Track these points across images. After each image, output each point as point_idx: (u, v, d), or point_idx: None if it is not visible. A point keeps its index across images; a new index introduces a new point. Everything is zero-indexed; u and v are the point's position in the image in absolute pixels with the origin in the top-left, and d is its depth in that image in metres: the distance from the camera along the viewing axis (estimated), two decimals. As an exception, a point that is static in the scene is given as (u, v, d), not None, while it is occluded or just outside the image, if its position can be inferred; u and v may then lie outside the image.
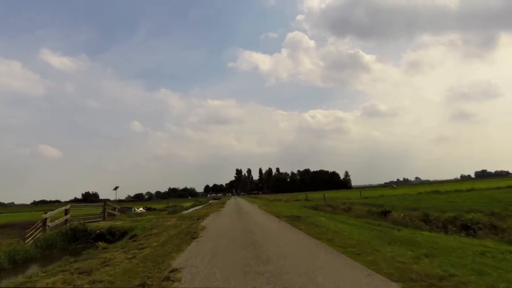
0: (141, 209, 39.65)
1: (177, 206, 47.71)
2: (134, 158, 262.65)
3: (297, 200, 36.62)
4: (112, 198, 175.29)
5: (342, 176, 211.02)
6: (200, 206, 52.15)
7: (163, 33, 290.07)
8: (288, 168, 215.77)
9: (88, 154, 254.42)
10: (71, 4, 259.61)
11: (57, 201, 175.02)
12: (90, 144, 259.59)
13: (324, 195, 39.29)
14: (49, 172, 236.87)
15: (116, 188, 33.03)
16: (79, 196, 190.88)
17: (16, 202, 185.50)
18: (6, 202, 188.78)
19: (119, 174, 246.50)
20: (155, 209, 41.38)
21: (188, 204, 63.45)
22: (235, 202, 51.34)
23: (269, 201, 41.46)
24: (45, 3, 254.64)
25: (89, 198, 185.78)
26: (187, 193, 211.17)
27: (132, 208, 33.00)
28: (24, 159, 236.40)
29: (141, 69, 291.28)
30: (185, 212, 31.88)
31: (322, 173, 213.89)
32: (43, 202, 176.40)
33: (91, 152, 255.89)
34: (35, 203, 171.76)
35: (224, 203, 47.63)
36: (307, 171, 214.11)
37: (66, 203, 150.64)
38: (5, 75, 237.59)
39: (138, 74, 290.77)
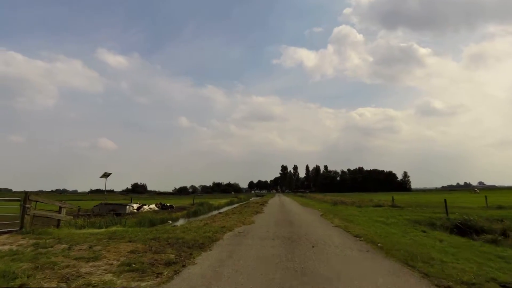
0: (151, 206, 29.57)
1: (205, 205, 37.10)
2: (181, 152, 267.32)
3: (378, 206, 23.42)
4: (157, 189, 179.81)
5: (399, 177, 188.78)
6: (235, 206, 41.16)
7: (208, 31, 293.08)
8: (333, 167, 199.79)
9: (139, 147, 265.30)
10: (123, 6, 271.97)
11: (112, 191, 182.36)
12: (141, 138, 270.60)
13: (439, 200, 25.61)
14: (106, 163, 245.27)
15: (106, 176, 23.21)
16: (129, 187, 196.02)
17: (79, 190, 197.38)
18: (70, 189, 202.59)
19: (167, 167, 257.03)
20: (172, 207, 31.06)
21: (223, 201, 53.04)
22: (279, 202, 39.38)
23: (329, 205, 28.80)
24: (98, 5, 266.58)
25: (137, 189, 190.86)
26: (230, 189, 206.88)
27: (127, 205, 22.70)
28: (84, 151, 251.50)
29: (188, 67, 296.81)
30: (202, 217, 21.15)
31: (376, 173, 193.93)
32: (99, 191, 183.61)
33: (142, 146, 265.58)
34: (91, 192, 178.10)
35: (265, 203, 36.11)
36: (360, 169, 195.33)
37: (119, 192, 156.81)
38: (68, 73, 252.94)
39: (185, 71, 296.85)
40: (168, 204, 31.94)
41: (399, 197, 48.58)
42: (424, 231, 11.59)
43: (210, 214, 28.74)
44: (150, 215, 22.49)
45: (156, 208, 30.15)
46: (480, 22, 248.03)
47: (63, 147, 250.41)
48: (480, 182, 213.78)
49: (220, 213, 22.35)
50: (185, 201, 46.48)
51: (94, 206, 22.97)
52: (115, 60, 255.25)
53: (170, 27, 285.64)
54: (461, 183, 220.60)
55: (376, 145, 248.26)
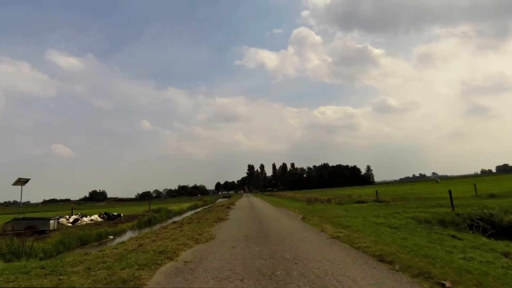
0: (93, 217, 24.11)
1: (162, 211, 32.08)
2: (145, 156, 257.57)
3: (362, 202, 20.22)
4: (126, 196, 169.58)
5: (363, 171, 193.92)
6: (198, 210, 36.49)
7: (170, 33, 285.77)
8: (299, 165, 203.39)
9: (98, 153, 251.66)
10: (79, 6, 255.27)
11: (68, 200, 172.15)
12: (100, 143, 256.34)
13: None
14: (62, 171, 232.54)
15: (22, 182, 17.60)
16: (88, 195, 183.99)
17: (32, 201, 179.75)
18: (22, 201, 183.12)
19: (130, 173, 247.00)
20: (119, 216, 25.80)
21: (186, 205, 47.96)
22: (248, 203, 35.34)
23: (305, 204, 25.34)
24: (52, 5, 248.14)
25: (96, 197, 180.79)
26: (197, 191, 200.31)
27: (50, 218, 17.34)
28: (37, 159, 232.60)
29: (150, 69, 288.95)
30: (154, 228, 16.49)
31: (341, 168, 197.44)
32: (53, 201, 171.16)
33: (101, 151, 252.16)
34: (45, 202, 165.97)
35: (232, 205, 31.90)
36: (325, 165, 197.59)
37: (75, 202, 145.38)
38: (14, 76, 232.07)
39: (147, 73, 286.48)
40: (114, 214, 26.53)
41: (367, 190, 47.01)
42: (454, 236, 8.19)
43: (166, 222, 24.02)
44: (83, 231, 17.35)
45: (99, 219, 24.71)
46: (427, 24, 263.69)
47: (13, 155, 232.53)
48: (433, 173, 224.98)
49: (174, 222, 17.76)
50: (143, 208, 40.88)
51: (6, 223, 17.33)
52: (67, 62, 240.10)
53: (131, 28, 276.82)
54: (417, 174, 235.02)
55: (338, 141, 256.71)
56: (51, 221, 17.26)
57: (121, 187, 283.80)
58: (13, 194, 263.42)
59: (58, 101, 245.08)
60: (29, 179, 18.43)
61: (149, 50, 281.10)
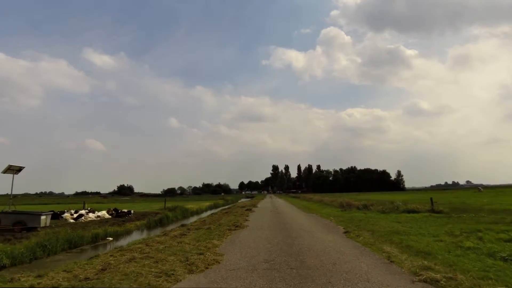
0: (100, 213, 21.75)
1: (178, 209, 29.42)
2: (171, 153, 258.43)
3: (413, 212, 16.09)
4: (152, 192, 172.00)
5: (392, 176, 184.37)
6: (216, 211, 33.58)
7: (198, 32, 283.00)
8: (324, 167, 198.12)
9: (128, 148, 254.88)
10: (113, 8, 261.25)
11: (98, 193, 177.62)
12: (129, 139, 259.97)
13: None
14: (94, 165, 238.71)
15: (13, 171, 15.24)
16: (116, 189, 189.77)
17: (67, 193, 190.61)
18: (56, 192, 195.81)
19: (156, 169, 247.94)
20: (129, 214, 23.29)
21: (206, 204, 45.30)
22: (271, 205, 31.99)
23: (338, 210, 21.55)
24: (88, 6, 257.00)
25: (123, 191, 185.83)
26: (220, 190, 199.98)
27: (41, 214, 14.83)
28: (71, 152, 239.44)
29: (177, 68, 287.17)
30: (162, 230, 13.42)
31: (369, 172, 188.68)
32: (84, 193, 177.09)
33: (131, 147, 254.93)
34: (76, 194, 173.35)
35: (254, 206, 28.73)
36: (352, 169, 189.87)
37: (103, 195, 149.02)
38: (53, 72, 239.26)
39: (175, 72, 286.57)
40: (124, 210, 24.06)
41: (401, 196, 42.11)
42: None
43: (177, 224, 21.22)
44: (80, 230, 14.78)
45: (106, 216, 22.31)
46: (465, 24, 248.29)
47: (50, 148, 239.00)
48: (467, 181, 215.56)
49: (183, 225, 14.70)
50: (160, 205, 38.71)
51: (-5, 217, 15.16)
52: (101, 59, 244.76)
53: (161, 28, 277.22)
54: (449, 182, 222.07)
55: (365, 145, 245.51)
56: (42, 217, 14.78)
57: (148, 182, 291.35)
58: (48, 185, 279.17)
59: (91, 97, 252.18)
60: (23, 167, 16.15)
61: (178, 49, 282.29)
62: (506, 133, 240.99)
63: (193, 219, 26.13)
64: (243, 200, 73.23)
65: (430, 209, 16.63)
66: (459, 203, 22.50)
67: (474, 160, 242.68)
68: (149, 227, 20.86)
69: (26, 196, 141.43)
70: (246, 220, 14.62)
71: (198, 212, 34.43)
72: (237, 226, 11.84)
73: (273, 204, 35.52)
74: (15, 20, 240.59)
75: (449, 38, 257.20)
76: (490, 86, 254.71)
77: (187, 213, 30.29)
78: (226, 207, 36.88)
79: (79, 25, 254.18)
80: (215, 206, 46.31)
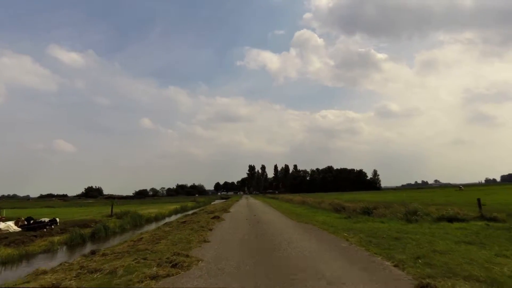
0: (5, 225, 15.10)
1: (127, 217, 22.98)
2: (145, 154, 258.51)
3: (455, 220, 10.89)
4: (124, 194, 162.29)
5: (369, 175, 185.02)
6: (182, 215, 27.36)
7: (174, 33, 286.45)
8: (299, 167, 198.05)
9: (98, 149, 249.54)
10: (84, 5, 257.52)
11: (65, 195, 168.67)
12: (100, 139, 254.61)
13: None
14: (62, 166, 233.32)
15: None
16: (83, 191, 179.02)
17: (32, 195, 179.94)
18: (21, 195, 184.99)
19: (130, 170, 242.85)
20: (51, 224, 16.63)
21: (171, 207, 38.69)
22: (248, 209, 26.28)
23: (336, 216, 16.18)
24: (57, 3, 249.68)
25: (91, 193, 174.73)
26: (195, 191, 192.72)
27: None
28: (38, 153, 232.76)
29: (151, 68, 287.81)
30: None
31: (346, 172, 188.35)
32: (50, 196, 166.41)
33: (101, 148, 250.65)
34: (41, 197, 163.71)
35: (226, 210, 22.92)
36: (329, 168, 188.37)
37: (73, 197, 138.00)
38: (16, 69, 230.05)
39: (148, 72, 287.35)
40: (44, 220, 17.31)
41: (388, 196, 38.04)
42: None
43: (126, 235, 15.03)
44: None
45: (13, 229, 15.62)
46: (431, 30, 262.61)
47: (15, 149, 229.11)
48: (436, 180, 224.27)
49: (93, 253, 8.55)
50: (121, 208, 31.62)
51: None
52: (68, 57, 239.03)
53: (134, 28, 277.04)
54: (419, 181, 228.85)
55: (339, 146, 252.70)
56: None
57: (120, 184, 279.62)
58: (13, 188, 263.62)
59: (59, 96, 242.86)
60: None
61: (152, 49, 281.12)
62: (469, 134, 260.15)
63: (150, 227, 19.98)
64: (216, 202, 66.80)
65: (478, 215, 11.45)
66: (498, 205, 17.65)
67: (441, 160, 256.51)
68: (72, 245, 14.45)
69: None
70: (204, 242, 8.69)
71: (157, 218, 28.00)
72: (181, 261, 5.90)
73: (250, 207, 29.69)
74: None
75: (416, 43, 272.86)
76: (455, 90, 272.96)
77: (140, 221, 23.87)
78: (191, 212, 30.62)
79: (48, 22, 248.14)
80: (182, 210, 39.81)
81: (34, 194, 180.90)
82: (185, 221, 15.26)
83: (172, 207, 39.72)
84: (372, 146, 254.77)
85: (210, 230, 11.45)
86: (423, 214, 12.88)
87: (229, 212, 22.08)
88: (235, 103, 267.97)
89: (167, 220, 26.98)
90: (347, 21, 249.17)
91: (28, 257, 11.98)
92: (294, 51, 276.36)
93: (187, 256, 6.50)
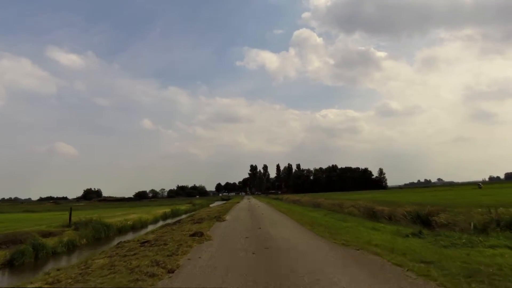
0: None
1: (90, 226, 16.95)
2: (146, 155, 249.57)
3: None
4: (126, 195, 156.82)
5: (375, 174, 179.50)
6: (171, 221, 21.43)
7: (173, 34, 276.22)
8: (301, 167, 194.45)
9: (98, 151, 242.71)
10: (83, 7, 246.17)
11: (65, 198, 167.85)
12: (100, 141, 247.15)
13: None
14: (62, 169, 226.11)
15: None
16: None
17: (33, 198, 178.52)
18: (23, 198, 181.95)
19: (131, 172, 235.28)
20: None
21: (159, 211, 32.74)
22: (250, 214, 20.34)
23: (388, 232, 10.04)
24: (56, 5, 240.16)
25: (90, 195, 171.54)
26: (196, 192, 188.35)
27: None
28: (39, 156, 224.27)
29: (150, 68, 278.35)
30: None
31: (351, 171, 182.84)
32: (50, 198, 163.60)
33: (101, 150, 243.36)
34: (41, 200, 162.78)
35: (223, 216, 17.01)
36: (334, 167, 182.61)
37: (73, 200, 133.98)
38: (16, 72, 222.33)
39: (148, 73, 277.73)
40: None
41: (395, 196, 32.14)
42: None
43: (78, 256, 9.15)
44: None
45: None
46: (432, 27, 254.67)
47: (16, 152, 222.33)
48: (439, 179, 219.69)
49: None
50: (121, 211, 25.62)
51: None
52: (67, 58, 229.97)
53: (133, 28, 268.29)
54: (422, 180, 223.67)
55: (340, 145, 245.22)
56: None
57: (120, 186, 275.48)
58: (15, 191, 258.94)
59: (59, 98, 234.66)
60: None
61: (151, 50, 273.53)
62: (471, 132, 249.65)
63: (126, 237, 14.06)
64: (215, 203, 60.86)
65: None
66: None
67: (443, 158, 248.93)
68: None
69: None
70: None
71: (135, 227, 22.09)
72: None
73: (252, 212, 23.53)
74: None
75: (417, 41, 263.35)
76: (456, 87, 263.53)
77: (107, 232, 17.89)
78: (184, 216, 24.75)
79: (46, 24, 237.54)
80: (173, 214, 33.82)
81: (35, 197, 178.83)
82: (146, 242, 9.25)
83: (161, 211, 33.79)
84: (373, 145, 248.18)
85: (170, 271, 5.47)
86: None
87: (223, 221, 16.05)
88: (235, 103, 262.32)
89: (150, 228, 21.12)
90: (346, 20, 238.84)
91: None
92: (293, 50, 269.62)
93: None
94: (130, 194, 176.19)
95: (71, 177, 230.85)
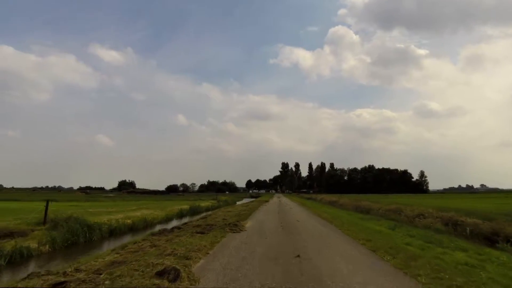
0: None
1: (70, 222, 12.63)
2: (178, 150, 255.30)
3: None
4: (159, 188, 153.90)
5: (415, 176, 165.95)
6: (191, 219, 16.68)
7: (206, 31, 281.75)
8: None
9: (134, 144, 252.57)
10: (122, 6, 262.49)
11: (102, 188, 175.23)
12: (136, 135, 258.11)
13: None
14: (101, 160, 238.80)
15: None
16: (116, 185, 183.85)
17: (75, 187, 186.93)
18: (66, 187, 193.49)
19: (164, 165, 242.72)
20: None
21: (174, 209, 28.47)
22: (279, 221, 14.86)
23: None
24: (98, 4, 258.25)
25: (123, 187, 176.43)
26: (225, 188, 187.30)
27: None
28: (80, 147, 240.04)
29: (186, 65, 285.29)
30: None
31: (388, 172, 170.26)
32: (88, 188, 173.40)
33: (137, 143, 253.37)
34: (80, 189, 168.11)
35: (245, 219, 11.95)
36: (370, 168, 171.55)
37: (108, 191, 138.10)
38: (61, 67, 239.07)
39: (183, 69, 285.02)
40: None
41: (462, 203, 24.90)
42: None
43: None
44: None
45: None
46: (477, 24, 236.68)
47: (60, 143, 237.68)
48: (482, 185, 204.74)
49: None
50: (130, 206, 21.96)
51: None
52: (109, 55, 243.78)
53: (170, 26, 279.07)
54: (463, 185, 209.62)
55: (374, 146, 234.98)
56: None
57: (152, 179, 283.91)
58: (59, 179, 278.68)
59: (99, 92, 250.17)
60: None
61: (185, 47, 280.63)
62: None
63: (122, 241, 9.68)
64: (243, 201, 56.17)
65: None
66: None
67: (486, 163, 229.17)
68: None
69: (36, 190, 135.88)
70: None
71: (136, 228, 17.72)
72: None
73: (283, 218, 18.08)
74: (28, 17, 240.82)
75: (461, 38, 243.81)
76: (503, 88, 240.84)
77: (91, 235, 13.52)
78: (204, 214, 19.94)
79: (89, 22, 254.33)
80: (191, 212, 29.47)
81: (76, 186, 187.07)
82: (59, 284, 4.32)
83: (178, 207, 29.55)
84: (409, 147, 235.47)
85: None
86: None
87: (239, 232, 10.90)
88: (266, 101, 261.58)
89: (158, 228, 16.64)
90: (385, 16, 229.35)
91: None
92: (328, 48, 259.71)
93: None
94: (162, 187, 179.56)
95: (108, 168, 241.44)
